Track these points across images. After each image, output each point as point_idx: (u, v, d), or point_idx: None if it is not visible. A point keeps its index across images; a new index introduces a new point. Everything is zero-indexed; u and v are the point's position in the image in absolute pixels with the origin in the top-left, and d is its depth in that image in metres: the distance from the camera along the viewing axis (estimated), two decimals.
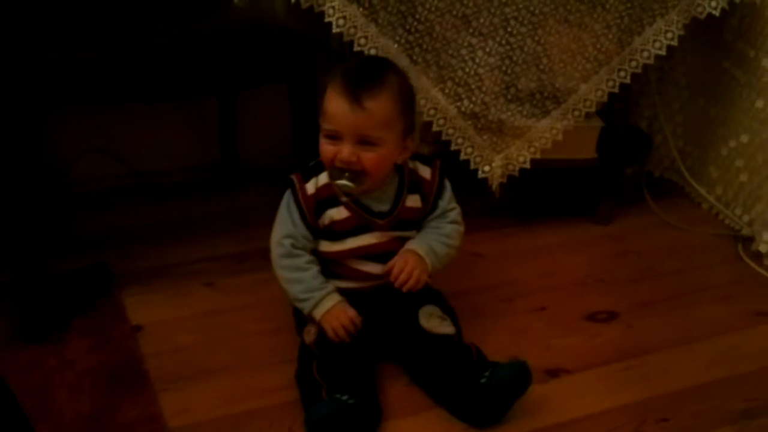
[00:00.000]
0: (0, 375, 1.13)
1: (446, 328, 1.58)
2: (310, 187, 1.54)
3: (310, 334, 1.56)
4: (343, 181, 1.48)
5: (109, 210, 2.11)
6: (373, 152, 1.46)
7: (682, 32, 1.86)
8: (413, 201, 1.59)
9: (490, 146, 1.90)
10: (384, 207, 1.56)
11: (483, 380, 1.45)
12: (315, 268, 1.55)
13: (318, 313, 1.52)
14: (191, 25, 1.70)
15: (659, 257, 2.04)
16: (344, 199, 1.53)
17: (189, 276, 1.86)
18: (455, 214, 1.63)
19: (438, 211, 1.61)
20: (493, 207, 2.10)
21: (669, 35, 1.86)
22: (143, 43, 1.62)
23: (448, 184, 1.63)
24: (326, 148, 1.48)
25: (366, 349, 1.55)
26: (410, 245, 1.58)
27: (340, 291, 1.56)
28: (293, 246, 1.54)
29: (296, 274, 1.54)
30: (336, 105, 1.45)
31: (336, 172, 1.49)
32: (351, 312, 1.52)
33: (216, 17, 1.76)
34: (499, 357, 1.54)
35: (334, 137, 1.47)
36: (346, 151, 1.45)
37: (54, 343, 1.62)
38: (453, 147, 1.87)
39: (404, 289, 1.54)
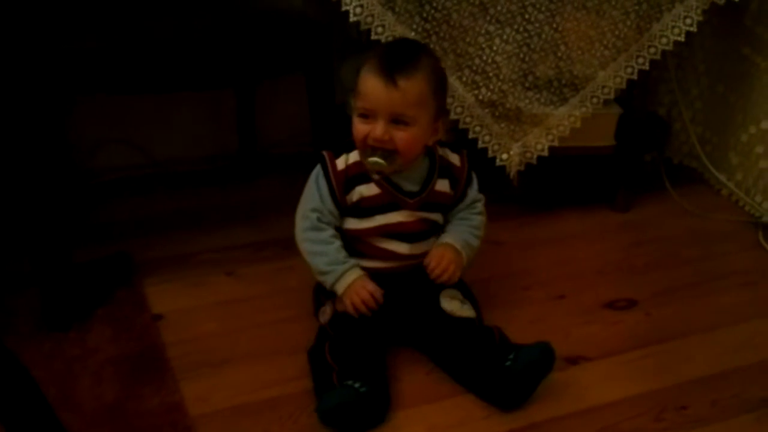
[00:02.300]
0: (23, 364, 1.14)
1: (467, 311, 1.60)
2: (341, 163, 1.55)
3: (325, 314, 1.59)
4: (375, 159, 1.49)
5: (129, 200, 2.13)
6: (405, 131, 1.48)
7: (701, 18, 1.84)
8: (442, 185, 1.60)
9: (507, 134, 1.90)
10: (414, 187, 1.58)
11: (508, 363, 1.46)
12: (338, 243, 1.56)
13: (340, 287, 1.54)
14: (209, 14, 1.71)
15: (678, 244, 2.03)
16: (375, 177, 1.54)
17: (209, 265, 1.87)
18: (481, 205, 1.67)
19: (467, 201, 1.64)
20: (512, 195, 2.09)
21: (688, 21, 1.85)
22: (161, 33, 1.62)
23: (474, 173, 1.65)
24: (359, 127, 1.50)
25: (380, 332, 1.56)
26: (447, 239, 1.61)
27: (363, 270, 1.57)
28: (319, 219, 1.55)
29: (320, 247, 1.55)
30: (371, 84, 1.47)
31: (368, 151, 1.50)
32: (371, 286, 1.54)
33: (234, 6, 1.76)
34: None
35: (368, 116, 1.49)
36: (379, 129, 1.47)
37: (76, 332, 1.64)
38: (471, 135, 1.87)
39: (437, 281, 1.57)
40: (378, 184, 1.55)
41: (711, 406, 1.52)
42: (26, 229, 1.67)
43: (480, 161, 1.87)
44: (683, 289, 1.86)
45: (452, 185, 1.62)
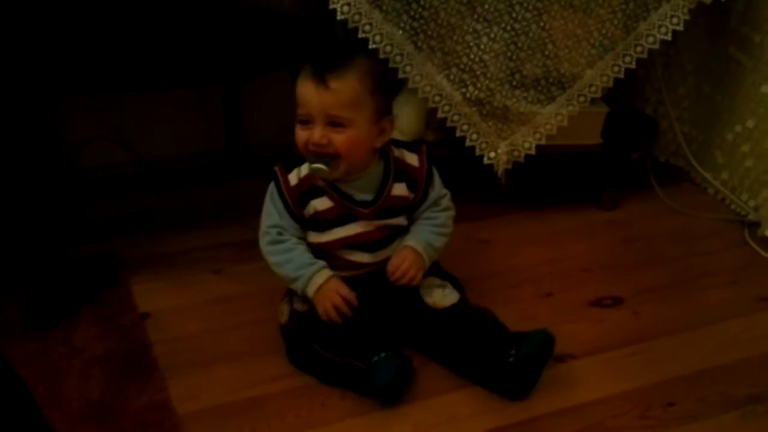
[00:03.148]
0: (10, 362, 1.14)
1: (449, 297, 1.60)
2: (293, 178, 1.54)
3: (283, 315, 1.59)
4: (318, 165, 1.47)
5: (116, 198, 2.12)
6: (343, 134, 1.46)
7: (687, 17, 1.85)
8: (400, 189, 1.57)
9: (495, 132, 1.90)
10: (367, 196, 1.55)
11: (511, 359, 1.47)
12: (302, 247, 1.55)
13: (310, 291, 1.52)
14: (197, 12, 1.71)
15: (665, 243, 2.04)
16: (320, 183, 1.52)
17: (196, 263, 1.87)
18: (447, 200, 1.64)
19: (428, 202, 1.61)
20: (499, 194, 2.10)
21: (674, 20, 1.85)
22: (148, 31, 1.62)
23: (435, 170, 1.62)
24: (300, 134, 1.48)
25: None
26: (409, 241, 1.59)
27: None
28: (279, 234, 1.54)
29: (284, 256, 1.54)
30: (304, 88, 1.46)
31: (311, 158, 1.49)
32: (343, 290, 1.52)
33: (221, 3, 1.76)
34: None
35: (307, 122, 1.47)
36: (316, 133, 1.45)
37: (63, 331, 1.63)
38: (458, 133, 1.88)
39: (397, 284, 1.56)
40: (329, 196, 1.53)
41: (697, 403, 1.53)
42: (13, 227, 1.66)
43: (468, 159, 1.88)
44: (669, 287, 1.87)
45: (411, 188, 1.58)
